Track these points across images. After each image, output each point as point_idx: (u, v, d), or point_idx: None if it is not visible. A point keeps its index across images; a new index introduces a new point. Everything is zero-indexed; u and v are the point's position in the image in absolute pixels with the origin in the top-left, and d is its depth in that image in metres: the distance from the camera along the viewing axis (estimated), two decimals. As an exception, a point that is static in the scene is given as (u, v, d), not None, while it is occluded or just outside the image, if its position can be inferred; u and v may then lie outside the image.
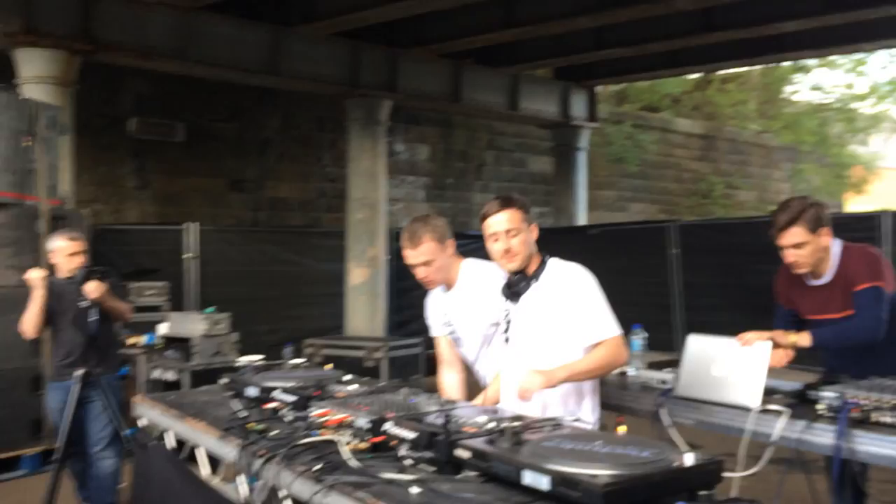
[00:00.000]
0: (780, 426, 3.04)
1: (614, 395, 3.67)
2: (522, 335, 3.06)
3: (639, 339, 4.03)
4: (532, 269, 3.01)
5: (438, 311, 3.54)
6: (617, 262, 9.84)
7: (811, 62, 17.89)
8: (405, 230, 3.37)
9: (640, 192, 16.15)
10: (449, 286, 3.44)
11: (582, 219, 12.98)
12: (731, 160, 17.92)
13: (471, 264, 3.47)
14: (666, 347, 9.72)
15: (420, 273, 3.36)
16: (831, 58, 17.28)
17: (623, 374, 3.91)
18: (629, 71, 12.25)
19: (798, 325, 3.79)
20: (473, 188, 13.62)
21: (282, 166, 11.47)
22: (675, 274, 10.00)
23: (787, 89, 19.92)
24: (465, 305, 3.40)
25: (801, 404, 3.18)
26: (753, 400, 3.17)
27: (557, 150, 13.25)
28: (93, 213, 9.05)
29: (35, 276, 4.60)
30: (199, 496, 2.96)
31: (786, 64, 17.16)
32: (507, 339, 3.09)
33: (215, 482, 3.08)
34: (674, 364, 3.88)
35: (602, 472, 1.83)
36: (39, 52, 7.53)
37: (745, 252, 8.98)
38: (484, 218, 3.03)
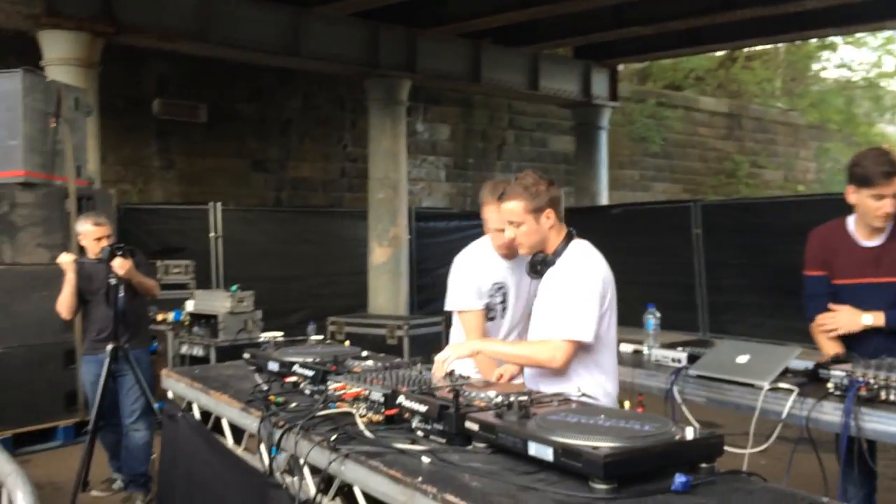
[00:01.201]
0: (789, 404, 3.09)
1: (629, 372, 3.74)
2: (535, 313, 3.12)
3: (652, 318, 4.07)
4: (551, 249, 2.97)
5: (488, 279, 3.37)
6: (639, 242, 9.84)
7: (838, 39, 17.64)
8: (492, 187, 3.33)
9: (663, 172, 16.06)
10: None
11: (604, 198, 12.95)
12: (756, 139, 17.73)
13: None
14: (690, 328, 9.73)
15: (502, 237, 3.15)
16: (858, 35, 17.02)
17: (638, 352, 3.98)
18: (650, 49, 12.19)
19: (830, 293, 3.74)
20: (495, 168, 13.63)
21: (303, 146, 11.56)
22: (698, 254, 9.96)
23: (814, 67, 19.65)
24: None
25: (812, 383, 3.23)
26: (765, 378, 3.22)
27: (578, 130, 13.22)
28: (119, 192, 9.20)
29: (65, 260, 4.76)
30: (224, 464, 3.07)
31: (812, 41, 16.92)
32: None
33: (239, 451, 3.19)
34: (688, 344, 3.94)
35: (603, 444, 1.90)
36: (62, 35, 7.64)
37: (770, 232, 8.89)
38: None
